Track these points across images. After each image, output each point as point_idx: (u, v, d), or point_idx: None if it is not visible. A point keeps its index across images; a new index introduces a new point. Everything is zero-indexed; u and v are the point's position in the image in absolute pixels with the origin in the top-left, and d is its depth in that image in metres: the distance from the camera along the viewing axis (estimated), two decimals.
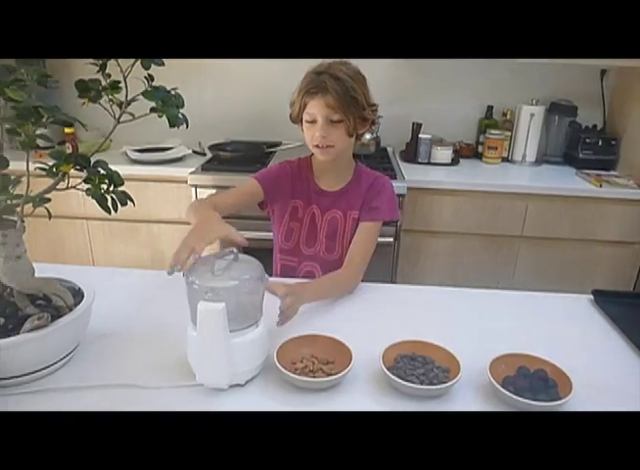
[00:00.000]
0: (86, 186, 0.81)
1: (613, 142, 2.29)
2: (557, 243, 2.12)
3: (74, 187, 0.80)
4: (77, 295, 0.92)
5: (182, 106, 0.76)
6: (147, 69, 0.72)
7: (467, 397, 0.86)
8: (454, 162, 2.33)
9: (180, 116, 0.75)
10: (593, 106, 2.39)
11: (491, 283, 2.17)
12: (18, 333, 0.80)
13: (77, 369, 0.89)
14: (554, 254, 2.13)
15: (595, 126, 2.37)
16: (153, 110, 0.75)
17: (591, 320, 1.13)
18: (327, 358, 0.91)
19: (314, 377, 0.86)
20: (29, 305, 0.84)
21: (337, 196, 1.31)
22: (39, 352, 0.83)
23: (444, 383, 0.85)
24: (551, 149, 2.42)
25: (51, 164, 0.78)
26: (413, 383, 0.84)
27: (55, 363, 0.86)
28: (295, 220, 1.33)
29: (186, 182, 2.02)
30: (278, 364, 0.85)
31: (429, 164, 2.31)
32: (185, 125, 0.76)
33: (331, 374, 0.87)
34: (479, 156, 2.44)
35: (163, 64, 0.73)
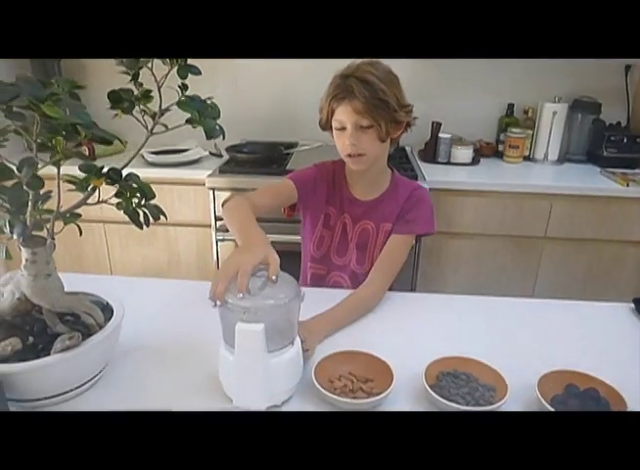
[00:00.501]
0: (117, 200, 0.78)
1: (638, 139, 2.23)
2: (582, 244, 2.07)
3: (105, 201, 0.77)
4: (106, 310, 0.89)
5: (218, 116, 0.73)
6: (183, 78, 0.68)
7: None
8: (474, 161, 2.28)
9: (217, 127, 0.71)
10: (617, 102, 2.34)
11: (515, 285, 2.13)
12: (48, 353, 0.77)
13: (106, 389, 0.86)
14: (579, 255, 2.08)
15: (619, 123, 2.31)
16: (189, 121, 0.71)
17: (634, 331, 1.09)
18: (366, 376, 0.88)
19: (354, 397, 0.82)
20: (59, 324, 0.81)
21: (370, 206, 1.26)
22: (69, 372, 0.80)
23: (491, 403, 0.81)
24: (573, 147, 2.36)
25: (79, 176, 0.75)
26: (458, 403, 0.80)
27: (85, 383, 0.83)
28: (327, 228, 1.29)
29: (203, 185, 1.99)
30: (317, 385, 0.82)
31: (448, 163, 2.26)
32: (222, 137, 0.73)
33: (371, 393, 0.83)
34: (499, 155, 2.38)
35: (200, 73, 0.69)
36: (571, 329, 1.10)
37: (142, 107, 0.71)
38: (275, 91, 2.47)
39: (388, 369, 0.87)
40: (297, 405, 0.84)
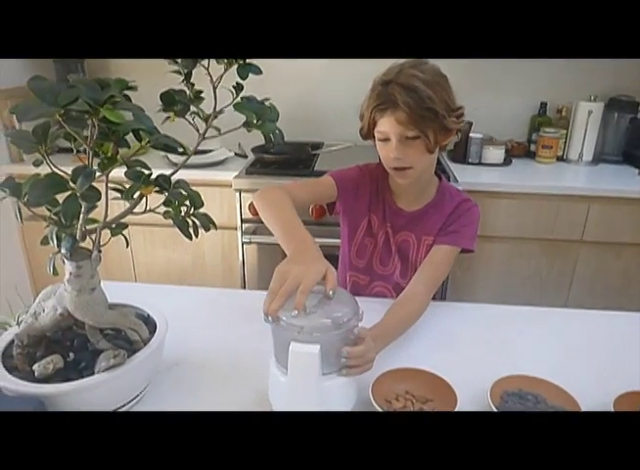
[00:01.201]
0: (164, 209, 0.73)
1: None
2: (620, 248, 1.99)
3: (153, 210, 0.72)
4: (148, 323, 0.84)
5: (277, 119, 0.67)
6: (244, 78, 0.62)
7: None
8: (506, 162, 2.21)
9: (277, 131, 0.66)
10: None
11: (548, 290, 2.06)
12: (91, 371, 0.73)
13: (149, 408, 0.81)
14: (616, 260, 2.01)
15: None
16: (247, 124, 0.66)
17: None
18: (425, 396, 0.82)
19: None
20: (102, 340, 0.76)
21: (413, 217, 1.17)
22: (114, 391, 0.75)
23: None
24: (609, 147, 2.28)
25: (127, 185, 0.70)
26: None
27: (128, 402, 0.78)
28: (369, 236, 1.21)
29: (230, 186, 1.94)
30: (378, 407, 0.76)
31: (479, 164, 2.20)
32: (282, 142, 0.67)
33: None
34: (531, 155, 2.31)
35: (261, 72, 0.64)
36: (628, 343, 1.03)
37: (196, 109, 0.65)
38: (300, 90, 2.41)
39: (447, 388, 0.81)
40: None
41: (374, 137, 1.09)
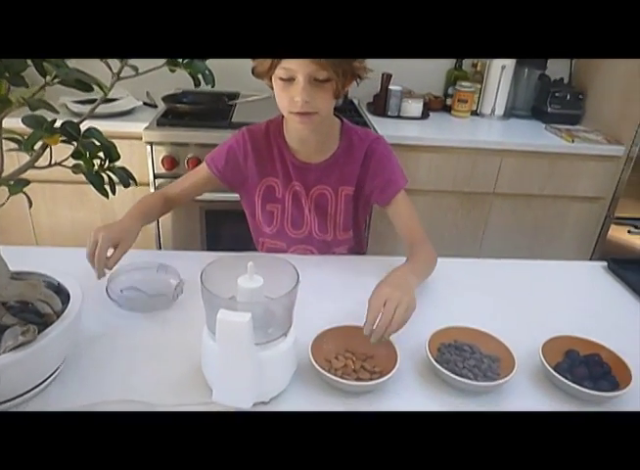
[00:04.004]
0: (73, 162, 0.63)
1: (580, 96, 2.27)
2: (529, 200, 2.10)
3: (60, 164, 0.62)
4: (59, 292, 0.74)
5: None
6: None
7: (520, 389, 0.79)
8: (424, 115, 2.22)
9: (207, 71, 0.58)
10: (560, 59, 2.35)
11: (464, 241, 2.15)
12: None
13: (65, 389, 0.72)
14: (526, 211, 2.12)
15: (562, 80, 2.34)
16: (170, 63, 0.57)
17: (610, 290, 1.10)
18: (365, 353, 0.81)
19: (358, 378, 0.76)
20: (6, 314, 0.66)
21: (323, 169, 1.10)
22: (22, 373, 0.66)
23: (498, 374, 0.78)
24: (519, 102, 2.36)
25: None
26: (469, 378, 0.76)
27: (39, 384, 0.69)
28: (272, 202, 1.13)
29: (140, 139, 1.78)
30: (318, 367, 0.74)
31: (398, 117, 2.19)
32: (212, 84, 0.59)
33: (374, 372, 0.77)
34: (447, 109, 2.34)
35: None
36: (548, 289, 1.09)
37: None
38: None
39: (387, 343, 0.81)
40: (294, 389, 0.76)
41: (271, 76, 0.97)
